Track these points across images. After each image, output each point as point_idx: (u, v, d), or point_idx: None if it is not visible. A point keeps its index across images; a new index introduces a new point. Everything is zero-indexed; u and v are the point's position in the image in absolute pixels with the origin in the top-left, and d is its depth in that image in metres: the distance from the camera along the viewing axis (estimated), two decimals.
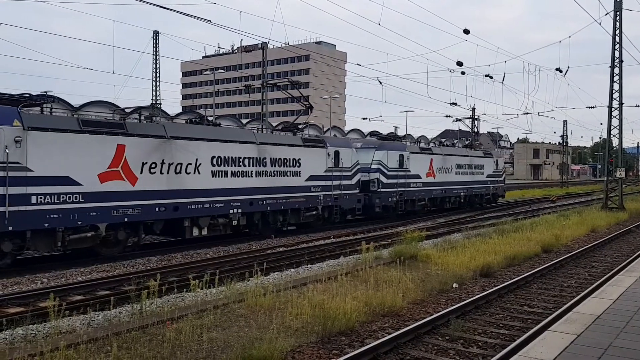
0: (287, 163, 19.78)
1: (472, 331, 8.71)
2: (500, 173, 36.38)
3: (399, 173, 25.79)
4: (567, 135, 75.69)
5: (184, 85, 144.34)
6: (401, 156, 26.11)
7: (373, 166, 24.80)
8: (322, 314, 8.36)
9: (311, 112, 23.24)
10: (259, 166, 18.53)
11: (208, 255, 15.73)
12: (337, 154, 22.04)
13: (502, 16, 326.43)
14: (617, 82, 30.26)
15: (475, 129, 35.65)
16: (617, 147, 32.45)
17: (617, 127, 31.06)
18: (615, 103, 30.50)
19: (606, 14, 30.62)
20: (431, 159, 28.39)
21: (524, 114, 56.89)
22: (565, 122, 74.84)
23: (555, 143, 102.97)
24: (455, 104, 43.66)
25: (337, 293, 9.58)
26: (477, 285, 12.14)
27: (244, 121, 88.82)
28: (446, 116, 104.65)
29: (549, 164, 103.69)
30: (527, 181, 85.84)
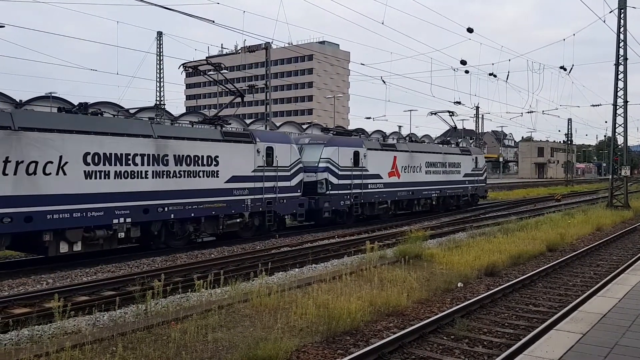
0: (199, 161, 16.45)
1: (477, 330, 8.70)
2: (481, 172, 32.97)
3: (354, 172, 22.93)
4: (571, 134, 75.65)
5: (188, 86, 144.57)
6: (356, 153, 23.14)
7: (321, 165, 21.81)
8: (326, 314, 8.36)
9: (242, 100, 20.35)
10: (158, 165, 15.30)
11: (212, 256, 15.75)
12: (270, 150, 18.88)
13: (506, 14, 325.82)
14: (622, 80, 30.15)
15: (454, 124, 32.03)
16: (622, 145, 32.34)
17: (622, 125, 30.95)
18: (620, 101, 30.38)
19: (610, 12, 30.45)
20: (394, 157, 25.31)
21: (528, 112, 56.58)
22: (569, 120, 74.76)
23: (560, 141, 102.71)
24: (459, 102, 43.62)
25: (342, 293, 9.57)
26: (482, 284, 12.11)
27: (248, 121, 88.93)
28: (450, 115, 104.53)
29: (554, 162, 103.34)
30: (532, 180, 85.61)
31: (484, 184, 33.62)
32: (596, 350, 6.02)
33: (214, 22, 20.63)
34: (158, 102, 53.34)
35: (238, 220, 17.94)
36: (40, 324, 8.55)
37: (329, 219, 22.10)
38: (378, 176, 24.26)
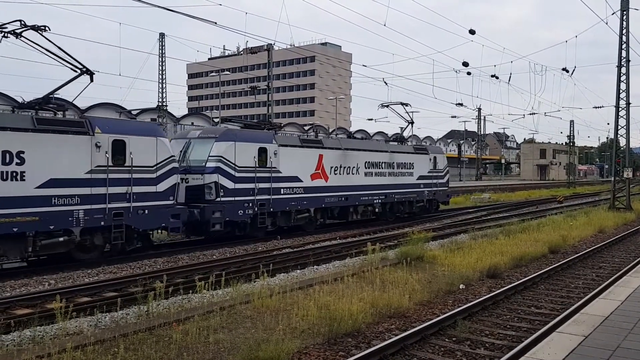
0: None
1: (479, 332, 8.69)
2: (441, 174, 28.45)
3: (260, 174, 18.48)
4: (573, 136, 75.67)
5: (190, 87, 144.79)
6: (262, 150, 18.71)
7: (209, 164, 17.35)
8: (328, 315, 8.35)
9: (92, 80, 15.52)
10: None
11: (214, 257, 15.75)
12: (120, 145, 14.46)
13: (508, 16, 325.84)
14: (624, 81, 30.12)
15: (410, 118, 28.06)
16: (625, 147, 32.30)
17: (625, 127, 30.91)
18: (622, 103, 30.35)
19: (613, 14, 30.43)
20: (320, 155, 21.05)
21: (530, 114, 56.83)
22: (572, 122, 74.76)
23: (562, 143, 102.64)
24: (461, 104, 43.66)
25: (344, 294, 9.57)
26: (484, 286, 12.10)
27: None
28: (452, 117, 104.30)
29: (556, 164, 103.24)
30: (534, 181, 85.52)
31: (445, 188, 29.16)
32: (598, 353, 6.00)
33: (216, 23, 20.68)
34: (160, 104, 53.41)
35: (61, 239, 13.47)
36: (42, 324, 8.55)
37: (222, 232, 17.56)
38: (296, 179, 19.99)
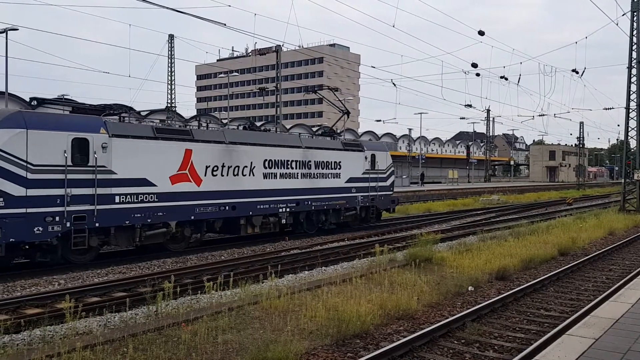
0: None
1: (488, 335, 8.65)
2: (383, 176, 23.72)
3: (75, 176, 13.54)
4: (583, 137, 75.14)
5: (199, 88, 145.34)
6: (81, 143, 13.73)
7: None
8: (336, 317, 8.34)
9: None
10: None
11: (222, 257, 15.79)
12: None
13: (518, 17, 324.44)
14: (635, 82, 29.92)
15: (344, 108, 23.56)
16: (635, 148, 32.05)
17: (635, 129, 30.68)
18: (632, 104, 30.16)
19: (623, 15, 30.38)
20: (188, 151, 15.90)
21: (539, 115, 56.43)
22: (581, 123, 74.27)
23: (572, 145, 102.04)
24: (470, 105, 43.54)
25: (352, 295, 9.56)
26: (493, 288, 12.04)
27: (258, 124, 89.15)
28: (461, 118, 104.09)
29: (565, 165, 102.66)
30: (543, 183, 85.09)
31: (388, 192, 24.15)
32: (609, 356, 5.96)
33: (225, 25, 20.75)
34: (169, 105, 53.67)
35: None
36: (52, 324, 8.61)
37: (4, 259, 12.80)
38: (143, 182, 14.95)
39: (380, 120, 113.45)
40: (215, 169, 16.81)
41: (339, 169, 21.56)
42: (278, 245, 18.15)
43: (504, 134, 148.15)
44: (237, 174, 17.49)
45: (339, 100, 23.67)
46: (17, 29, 34.91)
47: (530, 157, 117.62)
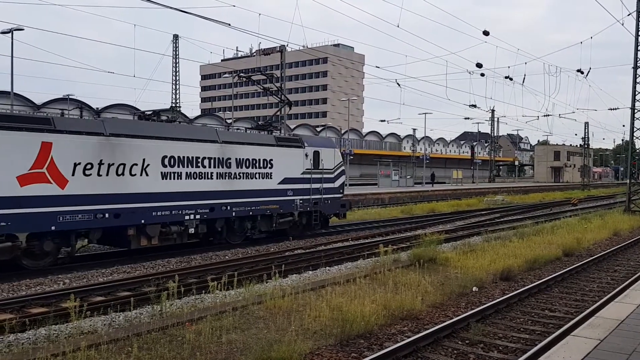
0: None
1: (493, 335, 8.63)
2: (330, 176, 20.86)
3: None
4: (588, 137, 74.88)
5: (203, 88, 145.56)
6: None
7: None
8: (340, 317, 8.35)
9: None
10: None
11: (227, 257, 15.81)
12: None
13: (522, 17, 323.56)
14: None
15: (285, 98, 21.61)
16: None
17: None
18: (638, 104, 30.01)
19: (629, 15, 30.11)
20: (46, 145, 12.93)
21: (544, 115, 56.27)
22: (586, 123, 74.12)
23: (577, 145, 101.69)
24: (474, 105, 43.46)
25: (356, 296, 9.56)
26: (497, 288, 12.02)
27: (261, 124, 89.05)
28: (465, 118, 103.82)
29: (570, 166, 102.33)
30: (548, 184, 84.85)
31: (337, 195, 21.30)
32: (614, 357, 5.94)
33: (229, 25, 20.75)
34: (174, 104, 53.81)
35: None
36: (57, 323, 8.63)
37: None
38: None
39: (384, 121, 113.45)
40: (88, 167, 13.63)
41: (270, 167, 18.40)
42: (282, 245, 18.16)
43: (508, 134, 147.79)
44: (123, 174, 14.27)
45: (279, 89, 21.18)
46: (22, 29, 35.09)
47: (534, 158, 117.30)
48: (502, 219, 28.60)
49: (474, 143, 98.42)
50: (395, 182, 53.72)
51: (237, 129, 20.39)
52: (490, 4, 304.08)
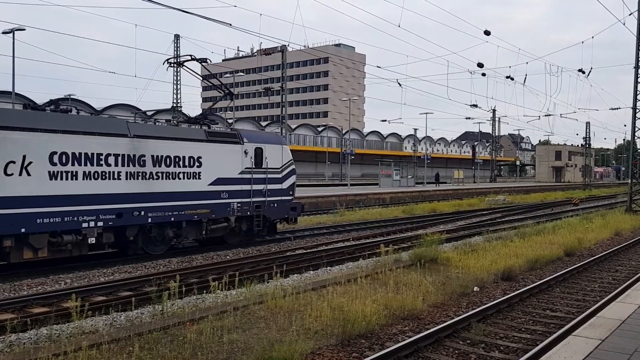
0: None
1: (494, 335, 8.63)
2: (277, 176, 18.41)
3: None
4: (589, 137, 74.83)
5: (204, 88, 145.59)
6: None
7: None
8: (341, 317, 8.35)
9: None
10: None
11: (228, 257, 15.82)
12: None
13: (524, 17, 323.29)
14: None
15: (224, 88, 19.33)
16: None
17: None
18: (639, 104, 29.98)
19: (630, 14, 30.14)
20: None
21: (545, 115, 56.29)
22: (588, 123, 74.01)
23: (578, 145, 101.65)
24: (475, 105, 43.44)
25: (357, 295, 9.56)
26: (498, 288, 12.02)
27: (264, 124, 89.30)
28: (466, 118, 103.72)
29: (572, 166, 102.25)
30: (549, 183, 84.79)
31: (285, 197, 18.77)
32: (615, 357, 5.94)
33: (231, 25, 20.76)
34: (175, 104, 53.82)
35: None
36: (59, 323, 8.65)
37: None
38: None
39: (385, 120, 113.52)
40: None
41: (199, 166, 15.99)
42: (283, 245, 18.17)
43: (509, 134, 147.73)
44: None
45: (216, 78, 18.96)
46: (23, 29, 35.14)
47: (536, 157, 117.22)
48: (503, 219, 28.58)
49: (475, 143, 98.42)
50: (396, 182, 53.76)
51: (158, 122, 17.71)
52: (492, 4, 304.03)
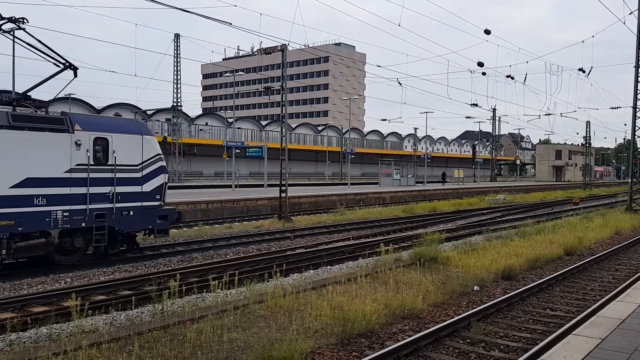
0: None
1: (494, 334, 8.63)
2: (135, 175, 14.27)
3: None
4: (590, 136, 74.70)
5: (205, 88, 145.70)
6: None
7: None
8: (341, 316, 8.35)
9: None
10: None
11: (228, 256, 15.82)
12: None
13: (524, 16, 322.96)
14: None
15: (65, 60, 13.98)
16: None
17: None
18: (639, 103, 29.97)
19: (630, 13, 30.09)
20: None
21: (546, 114, 56.22)
22: (588, 122, 73.84)
23: (578, 144, 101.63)
24: (475, 104, 43.42)
25: (357, 295, 9.56)
26: (498, 288, 12.01)
27: (264, 123, 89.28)
28: (467, 117, 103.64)
29: (572, 165, 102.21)
30: (550, 183, 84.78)
31: (148, 203, 14.64)
32: (615, 356, 5.94)
33: (231, 24, 20.72)
34: (175, 104, 53.77)
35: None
36: (59, 322, 8.65)
37: None
38: None
39: (385, 120, 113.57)
40: None
41: None
42: (283, 244, 18.17)
43: (510, 133, 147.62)
44: None
45: (44, 44, 14.01)
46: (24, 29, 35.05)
47: (536, 157, 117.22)
48: (503, 218, 28.59)
49: (476, 142, 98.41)
50: (396, 181, 53.74)
51: None
52: (492, 3, 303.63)
